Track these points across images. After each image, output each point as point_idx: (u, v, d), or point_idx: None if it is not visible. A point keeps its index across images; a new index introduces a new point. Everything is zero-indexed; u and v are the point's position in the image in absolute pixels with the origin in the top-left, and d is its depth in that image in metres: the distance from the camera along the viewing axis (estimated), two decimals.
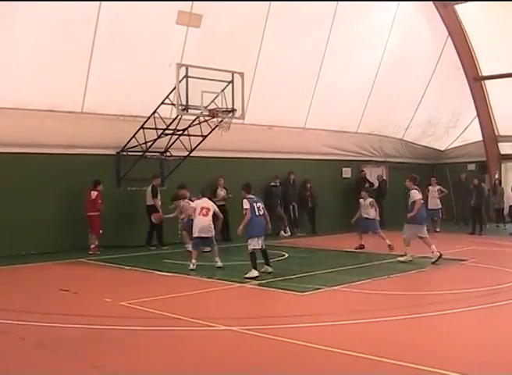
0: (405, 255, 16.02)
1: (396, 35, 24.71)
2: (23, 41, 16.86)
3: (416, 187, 16.37)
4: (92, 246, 18.11)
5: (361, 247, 18.33)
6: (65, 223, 18.22)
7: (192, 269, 14.56)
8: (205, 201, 15.44)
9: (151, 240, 19.51)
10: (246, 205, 14.03)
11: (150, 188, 19.38)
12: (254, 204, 14.02)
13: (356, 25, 23.43)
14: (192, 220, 15.63)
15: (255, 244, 13.99)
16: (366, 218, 18.46)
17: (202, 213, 15.05)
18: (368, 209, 18.45)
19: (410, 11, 24.76)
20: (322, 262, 16.55)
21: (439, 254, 15.55)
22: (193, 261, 14.77)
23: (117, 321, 9.66)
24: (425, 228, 16.35)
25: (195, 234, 15.10)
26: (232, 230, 21.60)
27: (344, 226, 23.65)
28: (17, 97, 17.30)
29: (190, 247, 16.55)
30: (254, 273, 13.79)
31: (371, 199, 18.64)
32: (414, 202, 16.02)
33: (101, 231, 18.03)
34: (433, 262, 15.47)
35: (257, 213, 13.98)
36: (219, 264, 14.95)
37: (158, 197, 19.24)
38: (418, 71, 25.93)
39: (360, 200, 18.72)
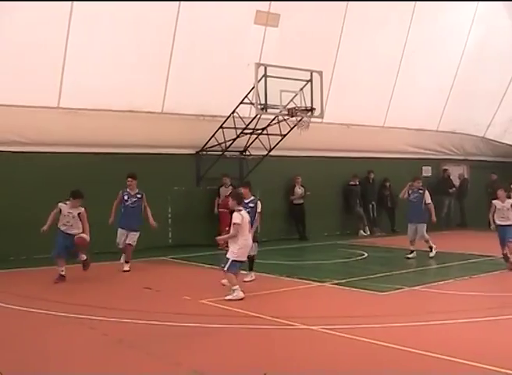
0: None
1: (478, 31, 24.18)
2: (103, 42, 17.26)
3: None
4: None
5: (505, 257, 14.68)
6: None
7: (241, 298, 11.23)
8: (246, 214, 11.81)
9: None
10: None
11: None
12: None
13: (436, 21, 23.04)
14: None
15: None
16: (504, 225, 14.59)
17: (249, 230, 11.82)
18: (507, 213, 14.61)
19: (491, 6, 24.20)
20: (402, 262, 16.35)
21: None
22: (237, 286, 11.40)
23: (198, 319, 9.77)
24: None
25: (242, 257, 11.62)
26: (310, 228, 21.76)
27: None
28: (98, 98, 17.69)
29: (84, 257, 13.67)
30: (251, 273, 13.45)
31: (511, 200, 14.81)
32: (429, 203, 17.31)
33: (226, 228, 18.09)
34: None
35: None
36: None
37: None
38: (500, 68, 25.26)
39: (496, 201, 14.78)
